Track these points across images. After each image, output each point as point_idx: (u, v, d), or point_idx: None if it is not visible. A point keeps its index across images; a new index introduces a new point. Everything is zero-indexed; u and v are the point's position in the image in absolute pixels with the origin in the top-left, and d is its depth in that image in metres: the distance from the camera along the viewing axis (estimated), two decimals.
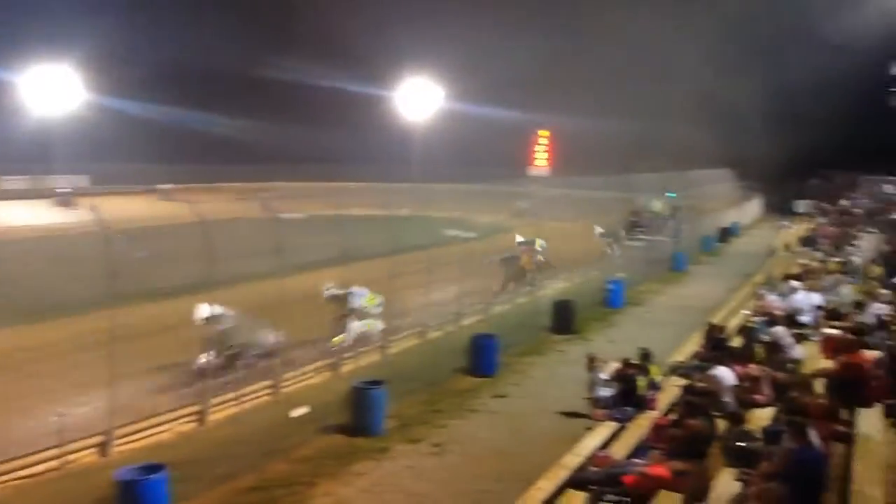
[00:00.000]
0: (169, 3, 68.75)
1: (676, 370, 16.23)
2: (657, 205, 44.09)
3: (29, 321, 19.88)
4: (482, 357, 18.79)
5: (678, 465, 9.94)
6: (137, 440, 13.96)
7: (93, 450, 13.43)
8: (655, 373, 15.53)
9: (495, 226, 27.57)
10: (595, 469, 11.44)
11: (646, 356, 15.65)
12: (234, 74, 66.19)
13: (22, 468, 12.57)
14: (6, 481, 12.41)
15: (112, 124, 59.65)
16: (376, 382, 15.32)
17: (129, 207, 44.33)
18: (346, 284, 19.56)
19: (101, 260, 14.54)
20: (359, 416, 14.91)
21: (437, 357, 18.84)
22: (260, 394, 16.29)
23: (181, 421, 14.71)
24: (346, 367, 18.33)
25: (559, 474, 11.39)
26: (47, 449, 12.62)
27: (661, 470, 9.96)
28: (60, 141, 59.20)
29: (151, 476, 11.27)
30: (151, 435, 14.17)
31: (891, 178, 38.34)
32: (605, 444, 12.75)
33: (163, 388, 15.94)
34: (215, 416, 15.21)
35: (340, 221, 21.13)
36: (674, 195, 45.49)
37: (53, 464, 12.79)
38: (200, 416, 15.00)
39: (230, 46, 65.73)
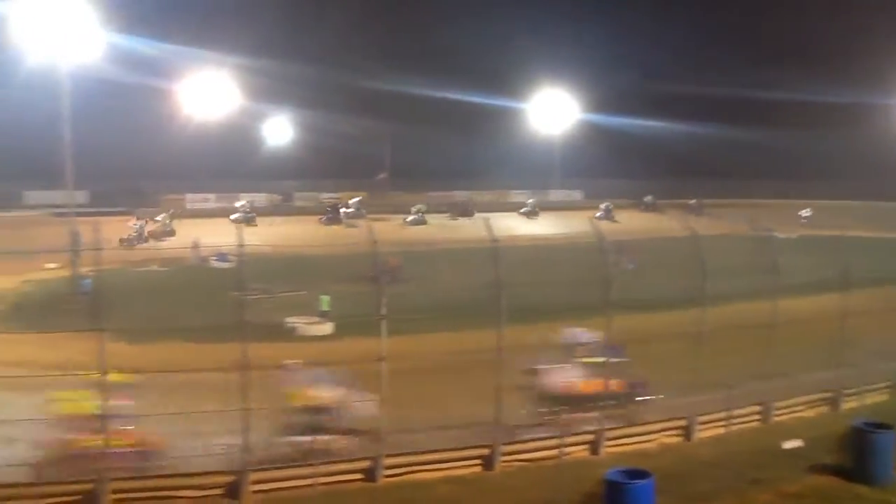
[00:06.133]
0: (658, 23, 70.36)
1: None
2: None
3: (529, 321, 21.06)
4: None
5: None
6: (624, 444, 14.52)
7: (585, 446, 14.40)
8: None
9: None
10: None
11: None
12: (721, 91, 65.05)
13: (526, 451, 14.02)
14: (512, 461, 13.94)
15: (601, 141, 63.39)
16: (884, 426, 13.57)
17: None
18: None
19: (594, 268, 15.41)
20: (859, 460, 13.39)
21: None
22: (749, 419, 15.67)
23: (667, 433, 14.89)
24: (848, 405, 16.59)
25: None
26: (548, 438, 13.80)
27: None
28: (559, 158, 65.17)
29: (639, 481, 11.56)
30: (638, 442, 14.61)
31: None
32: None
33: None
34: (701, 434, 15.09)
35: (839, 243, 19.14)
36: None
37: (550, 453, 13.94)
38: (687, 432, 15.00)
39: (718, 64, 65.03)
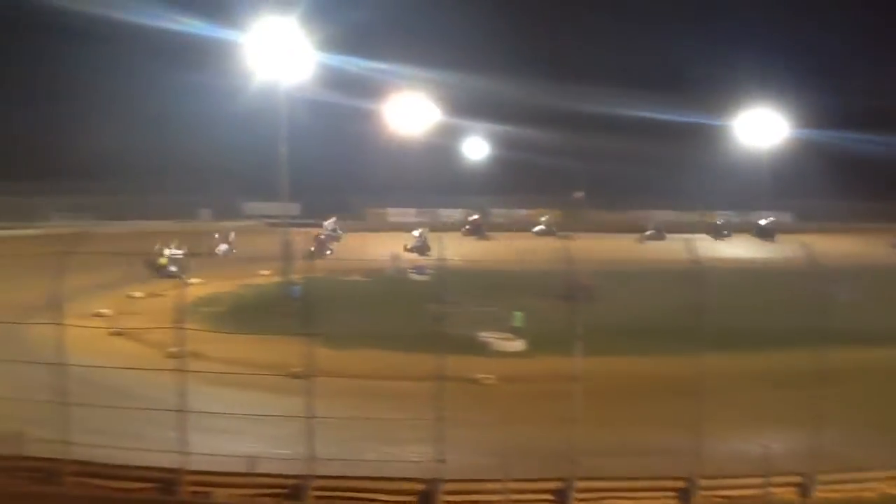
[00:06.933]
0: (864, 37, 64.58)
1: None
2: None
3: (730, 349, 18.46)
4: None
5: None
6: (838, 491, 13.30)
7: (793, 488, 13.34)
8: None
9: None
10: None
11: None
12: None
13: (724, 488, 13.21)
14: (709, 496, 13.17)
15: (815, 159, 58.92)
16: None
17: (834, 245, 43.35)
18: None
19: (806, 296, 14.29)
20: None
21: None
22: None
23: (889, 482, 13.46)
24: None
25: None
26: (750, 476, 12.93)
27: None
28: (768, 178, 61.31)
29: None
30: (854, 490, 13.33)
31: None
32: None
33: (869, 442, 14.65)
34: None
35: None
36: None
37: (753, 492, 13.05)
38: None
39: None
